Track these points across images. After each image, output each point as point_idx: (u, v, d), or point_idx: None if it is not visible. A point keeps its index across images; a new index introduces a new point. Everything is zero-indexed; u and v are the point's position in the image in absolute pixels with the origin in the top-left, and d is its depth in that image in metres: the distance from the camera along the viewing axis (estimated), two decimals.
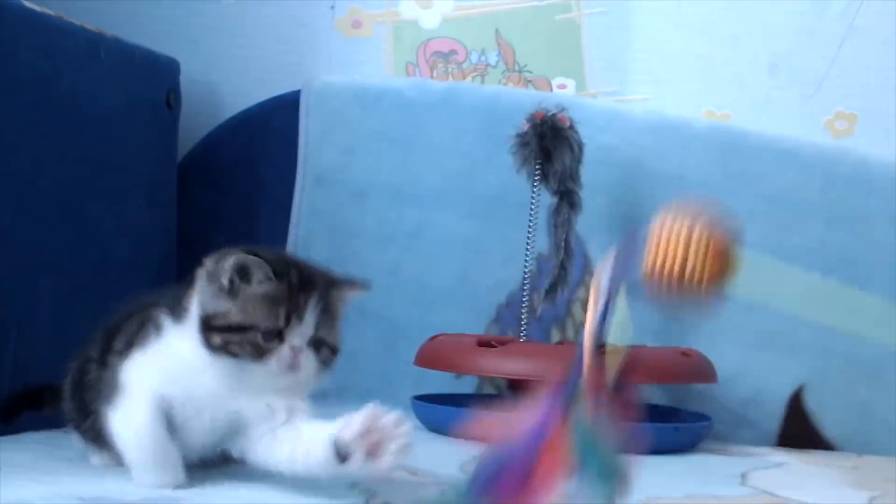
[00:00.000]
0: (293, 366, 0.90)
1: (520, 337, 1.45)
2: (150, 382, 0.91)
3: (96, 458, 1.01)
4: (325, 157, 1.61)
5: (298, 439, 0.91)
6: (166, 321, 0.93)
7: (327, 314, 0.92)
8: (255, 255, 0.90)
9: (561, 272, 1.44)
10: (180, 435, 0.92)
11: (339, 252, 1.59)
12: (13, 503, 0.85)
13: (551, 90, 1.66)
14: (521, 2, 1.67)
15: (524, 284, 1.46)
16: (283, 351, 0.90)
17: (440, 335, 1.42)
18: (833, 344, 1.50)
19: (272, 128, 1.65)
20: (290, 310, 0.90)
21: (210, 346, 0.90)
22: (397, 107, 1.61)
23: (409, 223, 1.59)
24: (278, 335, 0.90)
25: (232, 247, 0.92)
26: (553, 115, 1.43)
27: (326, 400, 0.95)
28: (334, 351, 0.93)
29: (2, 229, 1.22)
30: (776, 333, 1.50)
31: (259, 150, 1.65)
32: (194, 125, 1.66)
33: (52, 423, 1.16)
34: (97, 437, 0.98)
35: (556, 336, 1.55)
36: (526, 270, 1.46)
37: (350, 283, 0.96)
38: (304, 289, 0.91)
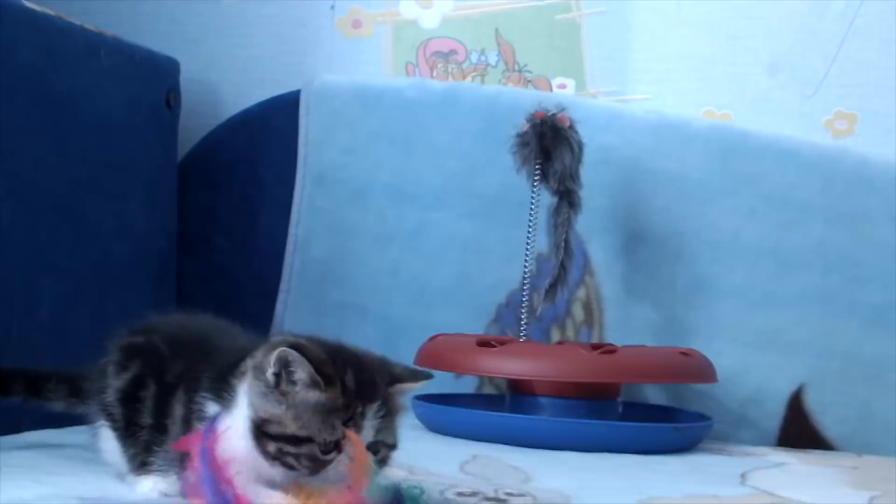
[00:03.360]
0: None
1: (520, 337, 1.45)
2: None
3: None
4: (325, 156, 1.61)
5: None
6: (213, 409, 0.85)
7: (388, 416, 0.85)
8: (300, 349, 0.81)
9: (561, 272, 1.44)
10: None
11: (339, 252, 1.59)
12: (13, 503, 0.85)
13: (551, 90, 1.66)
14: (521, 2, 1.67)
15: (524, 284, 1.45)
16: (343, 463, 0.82)
17: (440, 335, 1.42)
18: (833, 344, 1.49)
19: (272, 128, 1.65)
20: (347, 420, 0.82)
21: (264, 453, 0.82)
22: (397, 107, 1.61)
23: (409, 223, 1.59)
24: (336, 445, 0.82)
25: (284, 335, 0.86)
26: (553, 115, 1.43)
27: None
28: (393, 448, 0.87)
29: (2, 229, 1.22)
30: (776, 333, 1.50)
31: (259, 150, 1.65)
32: (194, 125, 1.66)
33: (53, 422, 1.16)
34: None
35: (556, 336, 1.55)
36: (526, 270, 1.46)
37: (413, 375, 0.89)
38: (363, 395, 0.83)
